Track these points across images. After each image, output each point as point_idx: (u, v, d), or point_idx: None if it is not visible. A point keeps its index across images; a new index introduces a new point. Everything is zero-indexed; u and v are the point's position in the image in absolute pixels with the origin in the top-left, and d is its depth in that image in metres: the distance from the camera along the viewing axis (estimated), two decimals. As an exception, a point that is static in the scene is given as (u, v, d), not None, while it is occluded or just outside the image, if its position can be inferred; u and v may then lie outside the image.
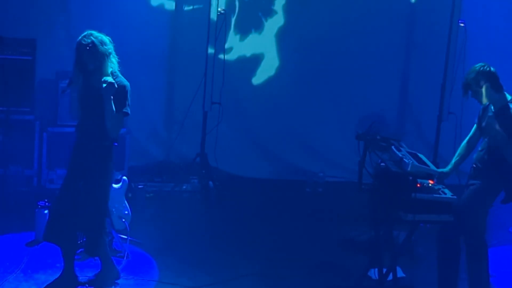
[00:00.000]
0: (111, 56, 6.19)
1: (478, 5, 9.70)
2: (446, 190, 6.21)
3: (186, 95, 9.44)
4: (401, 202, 6.11)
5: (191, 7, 9.60)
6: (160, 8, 9.61)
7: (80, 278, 6.56)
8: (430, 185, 6.20)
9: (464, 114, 8.41)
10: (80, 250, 6.69)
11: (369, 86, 10.01)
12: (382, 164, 6.34)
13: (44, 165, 8.62)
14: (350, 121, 9.71)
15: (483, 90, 6.34)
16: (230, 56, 9.70)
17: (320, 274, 7.19)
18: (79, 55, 6.13)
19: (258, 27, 9.90)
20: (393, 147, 6.40)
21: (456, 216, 6.16)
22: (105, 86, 6.04)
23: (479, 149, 6.54)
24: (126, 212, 7.08)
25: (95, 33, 6.15)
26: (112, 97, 6.07)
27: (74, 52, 6.16)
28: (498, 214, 6.71)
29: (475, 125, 6.63)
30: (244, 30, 9.87)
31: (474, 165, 6.51)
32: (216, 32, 8.99)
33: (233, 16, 9.77)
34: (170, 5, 9.62)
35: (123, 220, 7.02)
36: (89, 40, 6.08)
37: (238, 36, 9.85)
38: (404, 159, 6.13)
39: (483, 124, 6.48)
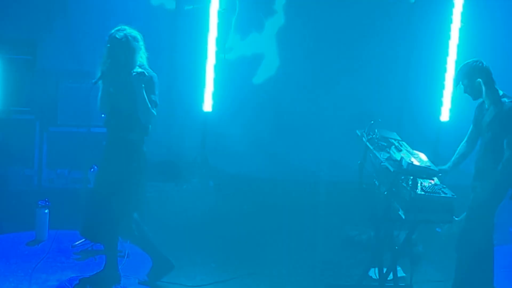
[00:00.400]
0: (141, 52, 6.31)
1: (477, 5, 9.69)
2: (447, 190, 6.20)
3: (186, 95, 9.44)
4: (401, 201, 6.11)
5: (191, 7, 9.59)
6: (161, 8, 9.60)
7: (80, 277, 6.56)
8: (430, 184, 6.20)
9: (464, 114, 8.41)
10: (80, 249, 6.68)
11: (369, 86, 9.99)
12: (382, 163, 6.33)
13: (44, 165, 8.61)
14: (350, 121, 9.69)
15: (477, 85, 6.34)
16: (230, 56, 9.70)
17: (320, 273, 7.19)
18: (111, 48, 6.22)
19: (258, 26, 9.90)
20: (393, 146, 6.40)
21: (469, 219, 6.17)
22: (136, 75, 6.16)
23: (478, 148, 6.54)
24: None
25: (128, 28, 6.28)
26: (143, 85, 6.17)
27: (106, 45, 6.26)
28: (498, 214, 6.70)
29: (471, 125, 6.63)
30: (244, 30, 9.86)
31: (476, 165, 6.50)
32: (216, 32, 8.99)
33: (234, 15, 9.76)
34: (171, 5, 9.62)
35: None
36: (122, 34, 6.21)
37: (238, 36, 9.85)
38: (404, 159, 6.13)
39: (480, 122, 6.47)
